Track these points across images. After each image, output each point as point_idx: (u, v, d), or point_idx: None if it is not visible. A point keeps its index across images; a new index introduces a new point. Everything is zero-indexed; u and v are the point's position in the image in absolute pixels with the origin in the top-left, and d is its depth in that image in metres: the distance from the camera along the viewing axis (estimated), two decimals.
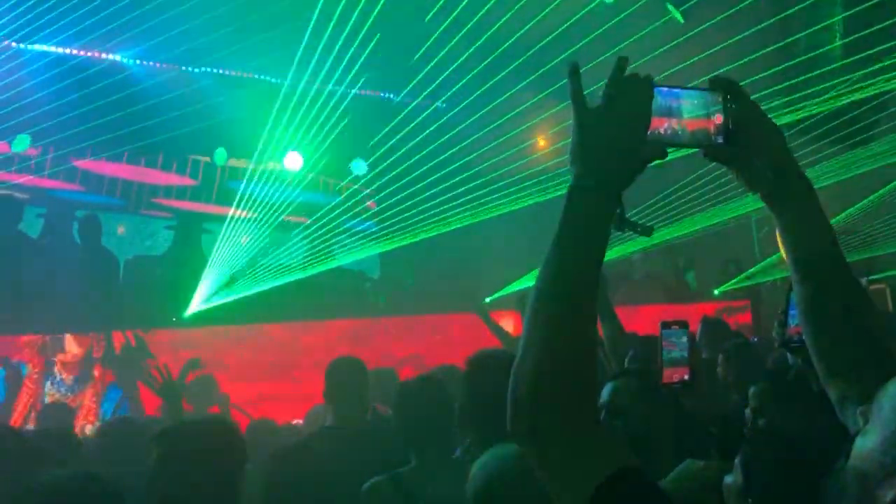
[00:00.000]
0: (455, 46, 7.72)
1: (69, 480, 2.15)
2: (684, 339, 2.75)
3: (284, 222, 9.37)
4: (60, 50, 8.78)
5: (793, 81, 7.81)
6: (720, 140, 1.37)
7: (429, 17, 7.50)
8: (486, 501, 1.95)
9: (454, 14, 7.51)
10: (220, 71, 9.84)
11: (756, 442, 2.09)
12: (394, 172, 8.83)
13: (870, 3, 7.08)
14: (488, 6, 7.41)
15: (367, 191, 10.33)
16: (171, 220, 10.67)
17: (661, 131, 1.32)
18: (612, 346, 4.06)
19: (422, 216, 8.75)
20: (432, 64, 7.99)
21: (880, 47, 7.20)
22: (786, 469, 1.86)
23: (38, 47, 8.55)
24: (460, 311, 7.51)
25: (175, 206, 10.82)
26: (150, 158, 10.20)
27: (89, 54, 8.99)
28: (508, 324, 6.73)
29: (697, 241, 10.13)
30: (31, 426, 6.19)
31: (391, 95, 9.01)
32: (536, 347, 1.21)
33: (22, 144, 8.96)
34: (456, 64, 7.91)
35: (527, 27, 7.59)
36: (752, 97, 1.42)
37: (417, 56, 7.90)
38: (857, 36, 7.48)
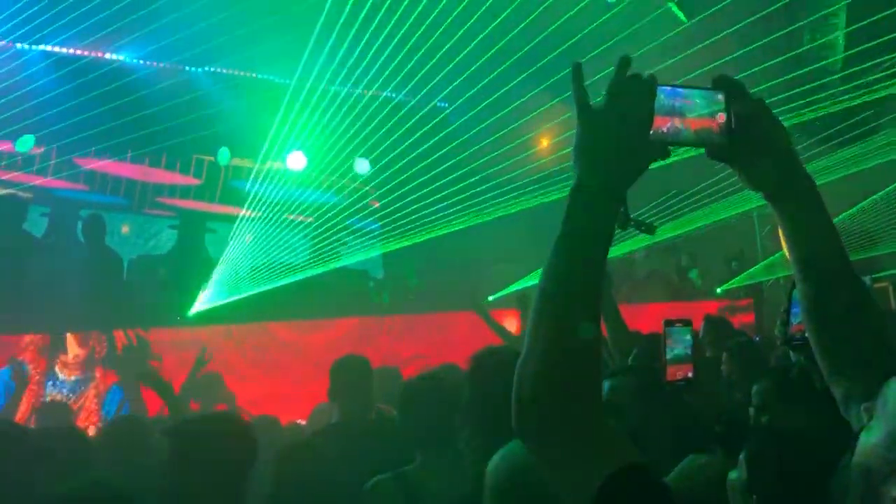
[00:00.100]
0: (458, 46, 7.72)
1: (79, 491, 2.15)
2: (688, 336, 2.75)
3: (289, 221, 9.37)
4: (65, 50, 8.80)
5: (791, 74, 7.80)
6: (723, 139, 1.37)
7: (432, 16, 7.49)
8: (510, 492, 1.94)
9: (456, 13, 7.51)
10: (223, 71, 9.85)
11: (760, 439, 2.09)
12: (395, 169, 8.83)
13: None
14: (490, 6, 7.41)
15: (367, 188, 10.33)
16: (175, 219, 10.68)
17: (664, 130, 1.32)
18: (616, 344, 4.07)
19: (425, 216, 8.75)
20: (433, 62, 8.00)
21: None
22: (790, 466, 1.86)
23: (42, 47, 8.58)
24: (463, 310, 7.51)
25: (179, 205, 10.84)
26: (153, 158, 10.22)
27: (94, 54, 9.01)
28: (511, 323, 6.73)
29: (700, 240, 10.14)
30: (31, 426, 6.20)
31: (394, 94, 9.00)
32: (541, 346, 1.21)
33: (26, 144, 8.98)
34: (454, 63, 7.92)
35: (524, 22, 7.58)
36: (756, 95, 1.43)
37: (419, 55, 7.90)
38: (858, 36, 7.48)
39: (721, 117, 1.36)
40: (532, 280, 8.24)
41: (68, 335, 7.05)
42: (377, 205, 10.17)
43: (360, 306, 9.58)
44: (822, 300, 1.45)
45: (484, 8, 7.41)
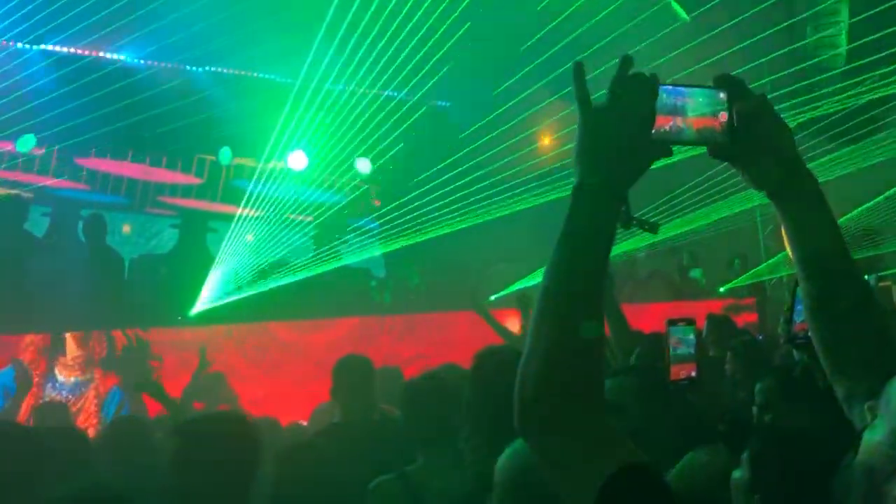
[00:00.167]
0: (460, 46, 7.72)
1: (79, 493, 2.15)
2: (691, 336, 2.74)
3: (290, 220, 9.37)
4: (66, 49, 8.81)
5: (794, 67, 7.80)
6: (725, 138, 1.37)
7: (434, 16, 7.50)
8: (517, 490, 1.94)
9: (458, 12, 7.51)
10: (224, 70, 9.86)
11: (762, 438, 2.09)
12: (397, 169, 8.84)
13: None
14: (492, 5, 7.41)
15: (366, 186, 10.33)
16: (176, 218, 10.68)
17: (666, 129, 1.32)
18: (618, 343, 4.07)
19: (427, 215, 8.75)
20: (433, 61, 8.00)
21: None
22: (793, 465, 1.86)
23: (43, 47, 8.58)
24: (464, 310, 7.51)
25: (180, 204, 10.84)
26: (154, 157, 10.22)
27: (95, 54, 9.01)
28: (514, 323, 6.72)
29: (703, 239, 10.13)
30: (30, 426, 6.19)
31: (395, 94, 9.00)
32: (543, 345, 1.21)
33: (27, 144, 8.99)
34: (453, 62, 7.92)
35: (525, 21, 7.58)
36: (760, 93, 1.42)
37: (421, 54, 7.90)
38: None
39: (723, 116, 1.36)
40: (533, 279, 8.25)
41: (68, 336, 7.04)
42: (378, 203, 10.17)
43: (362, 306, 9.58)
44: (826, 299, 1.45)
45: (485, 6, 7.42)
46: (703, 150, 1.40)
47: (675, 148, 1.34)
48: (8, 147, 8.97)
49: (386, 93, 9.02)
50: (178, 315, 8.23)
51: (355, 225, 10.36)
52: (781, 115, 1.42)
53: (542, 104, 8.60)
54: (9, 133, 8.39)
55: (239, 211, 8.96)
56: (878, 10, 7.15)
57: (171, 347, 7.27)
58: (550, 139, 10.28)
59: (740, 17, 7.30)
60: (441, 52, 7.81)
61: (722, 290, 10.39)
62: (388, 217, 9.38)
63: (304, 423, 5.29)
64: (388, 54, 8.08)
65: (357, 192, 10.25)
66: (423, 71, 8.16)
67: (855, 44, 7.96)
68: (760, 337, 6.77)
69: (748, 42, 7.54)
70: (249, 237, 9.08)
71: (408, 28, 7.73)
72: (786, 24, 7.98)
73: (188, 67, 9.63)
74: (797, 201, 1.44)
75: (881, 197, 8.63)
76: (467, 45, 7.72)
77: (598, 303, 1.26)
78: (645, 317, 6.81)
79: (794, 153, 1.43)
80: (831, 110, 7.94)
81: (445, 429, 3.00)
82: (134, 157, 9.90)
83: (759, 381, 3.12)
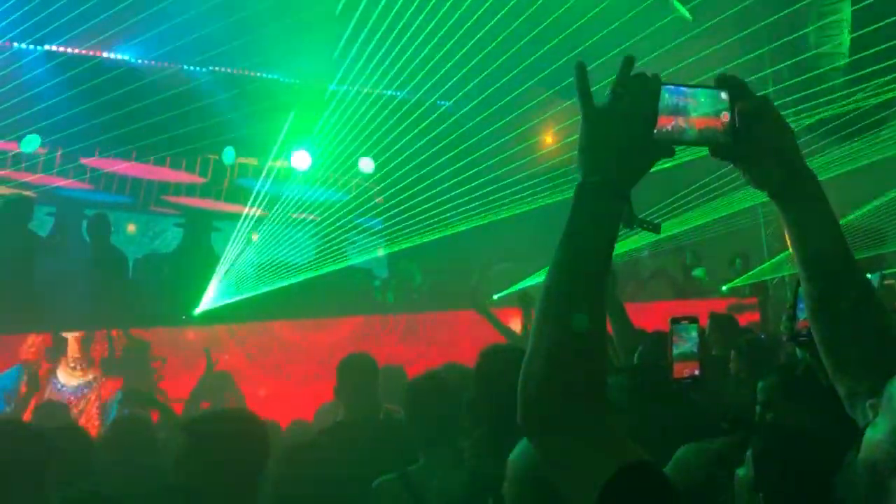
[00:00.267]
0: (463, 45, 7.72)
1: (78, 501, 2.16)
2: (694, 334, 2.75)
3: (294, 220, 9.38)
4: (70, 50, 8.82)
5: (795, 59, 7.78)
6: (728, 138, 1.37)
7: (438, 16, 7.49)
8: (538, 483, 1.94)
9: (461, 12, 7.50)
10: (229, 70, 9.86)
11: (766, 437, 2.09)
12: (399, 168, 8.83)
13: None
14: (495, 4, 7.41)
15: (367, 183, 10.33)
16: (181, 217, 10.70)
17: (668, 129, 1.33)
18: (621, 342, 4.07)
19: (430, 216, 8.74)
20: (435, 61, 7.99)
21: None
22: (796, 463, 1.86)
23: (48, 47, 8.60)
24: (467, 310, 7.51)
25: (184, 202, 10.85)
26: (158, 156, 10.23)
27: (99, 55, 9.03)
28: (516, 323, 6.73)
29: (705, 238, 10.12)
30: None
31: (398, 93, 9.00)
32: (546, 344, 1.22)
33: (31, 144, 9.01)
34: (454, 60, 7.91)
35: (525, 17, 7.57)
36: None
37: (424, 54, 7.90)
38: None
39: (725, 116, 1.37)
40: (536, 279, 8.25)
41: (69, 338, 7.03)
42: (380, 200, 10.17)
43: (365, 305, 9.59)
44: (827, 299, 1.45)
45: (488, 5, 7.41)
46: (705, 150, 1.41)
47: (677, 148, 1.34)
48: (12, 147, 9.00)
49: (390, 92, 9.02)
50: (182, 315, 8.24)
51: (359, 224, 10.36)
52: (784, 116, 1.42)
53: (537, 100, 8.56)
54: (14, 134, 8.41)
55: (243, 210, 8.97)
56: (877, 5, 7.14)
57: (174, 348, 7.28)
58: (554, 140, 10.28)
59: (738, 6, 7.26)
60: (443, 52, 7.80)
61: (724, 288, 10.38)
62: (392, 218, 9.38)
63: (309, 422, 5.31)
64: (392, 54, 8.08)
65: (360, 189, 10.25)
66: (425, 70, 8.15)
67: (859, 32, 7.93)
68: (762, 336, 6.76)
69: (748, 31, 7.53)
70: (254, 236, 9.09)
71: (415, 27, 7.73)
72: (787, 10, 7.94)
73: (192, 68, 9.64)
74: (799, 202, 1.44)
75: (887, 196, 8.61)
76: (471, 45, 7.71)
77: (601, 301, 1.27)
78: (648, 316, 6.81)
79: (796, 154, 1.43)
80: (835, 112, 7.93)
81: (448, 428, 3.01)
82: (138, 157, 9.91)
83: (761, 380, 3.12)
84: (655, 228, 1.36)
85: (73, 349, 7.00)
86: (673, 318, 2.77)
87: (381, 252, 10.43)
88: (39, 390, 6.72)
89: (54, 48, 8.76)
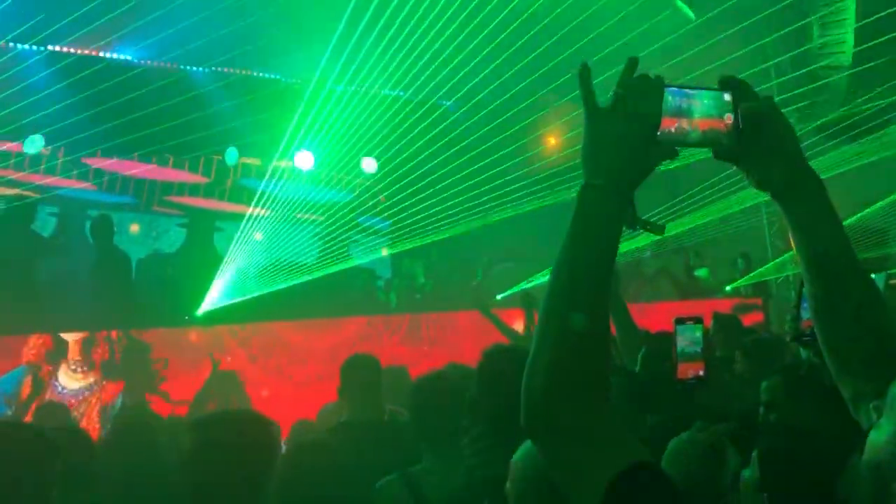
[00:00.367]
0: (467, 45, 7.72)
1: None
2: (699, 334, 2.75)
3: (298, 220, 9.38)
4: (72, 51, 8.84)
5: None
6: (731, 139, 1.37)
7: (441, 17, 7.49)
8: (538, 486, 1.94)
9: (464, 12, 7.50)
10: (231, 70, 9.87)
11: (771, 437, 2.09)
12: (401, 168, 8.83)
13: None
14: (498, 5, 7.40)
15: (369, 181, 10.33)
16: (184, 217, 10.70)
17: (672, 131, 1.33)
18: (625, 342, 4.06)
19: (434, 217, 8.74)
20: (439, 61, 7.99)
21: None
22: (800, 464, 1.86)
23: (52, 48, 8.61)
24: (470, 310, 7.52)
25: (187, 203, 10.85)
26: (161, 157, 10.24)
27: (103, 55, 9.04)
28: (520, 324, 6.73)
29: (709, 239, 10.12)
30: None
31: (402, 93, 9.00)
32: (550, 346, 1.22)
33: (35, 145, 9.02)
34: (457, 60, 7.91)
35: (527, 17, 7.57)
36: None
37: (429, 54, 7.89)
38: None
39: (729, 118, 1.36)
40: (538, 279, 8.25)
41: (70, 342, 7.03)
42: (383, 199, 10.17)
43: (368, 306, 9.59)
44: (831, 300, 1.45)
45: (491, 6, 7.40)
46: (708, 151, 1.41)
47: (680, 149, 1.34)
48: (16, 147, 9.02)
49: (393, 93, 9.02)
50: (185, 315, 8.24)
51: (364, 223, 10.36)
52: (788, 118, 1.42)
53: (535, 97, 8.55)
54: (17, 132, 8.43)
55: (246, 210, 8.98)
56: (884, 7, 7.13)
57: (175, 349, 7.28)
58: (557, 140, 10.28)
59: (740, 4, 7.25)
60: (447, 52, 7.80)
61: (728, 288, 10.37)
62: (395, 219, 9.39)
63: (313, 422, 5.31)
64: (400, 54, 8.08)
65: (363, 189, 10.26)
66: (430, 70, 8.15)
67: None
68: (766, 335, 6.75)
69: (747, 25, 7.51)
70: (258, 236, 9.09)
71: (422, 28, 7.73)
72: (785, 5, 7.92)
73: (194, 68, 9.65)
74: (802, 202, 1.44)
75: (893, 196, 8.60)
76: (475, 45, 7.70)
77: (605, 302, 1.27)
78: (652, 316, 6.81)
79: (799, 155, 1.43)
80: (839, 115, 7.92)
81: (452, 429, 3.00)
82: (140, 157, 9.92)
83: (764, 380, 3.11)
84: (659, 230, 1.36)
85: (73, 352, 7.00)
86: (677, 318, 2.77)
87: (385, 252, 10.44)
88: (41, 393, 6.73)
89: (58, 49, 8.78)
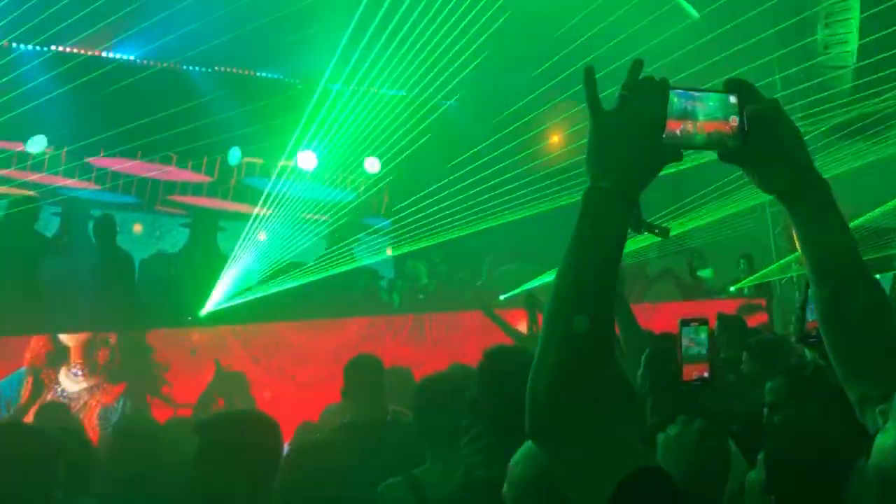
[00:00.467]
0: (469, 45, 7.72)
1: None
2: (704, 336, 2.74)
3: (302, 220, 9.39)
4: (74, 51, 8.85)
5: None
6: (736, 142, 1.37)
7: (443, 17, 7.49)
8: (537, 490, 1.93)
9: (465, 13, 7.50)
10: (234, 70, 9.89)
11: (775, 439, 2.08)
12: (407, 169, 8.83)
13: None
14: (501, 5, 7.40)
15: (368, 182, 10.34)
16: (187, 217, 10.71)
17: (677, 133, 1.32)
18: (628, 344, 4.05)
19: (438, 218, 8.74)
20: (444, 62, 7.99)
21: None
22: (807, 466, 1.85)
23: (55, 48, 8.63)
24: (472, 310, 7.51)
25: (190, 202, 10.86)
26: (164, 156, 10.24)
27: (106, 55, 9.06)
28: (524, 325, 6.73)
29: (712, 240, 10.11)
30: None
31: (405, 94, 9.00)
32: (555, 349, 1.21)
33: (38, 145, 9.04)
34: (460, 60, 7.91)
35: (530, 18, 7.57)
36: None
37: (436, 55, 7.90)
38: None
39: (734, 120, 1.36)
40: (542, 280, 8.25)
41: (71, 345, 7.02)
42: (386, 199, 10.18)
43: (370, 306, 9.59)
44: (837, 303, 1.44)
45: (496, 7, 7.40)
46: (713, 154, 1.40)
47: (685, 152, 1.34)
48: (19, 147, 9.03)
49: (398, 93, 9.02)
50: (188, 315, 8.25)
51: (368, 223, 10.37)
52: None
53: (534, 92, 8.54)
54: (19, 133, 8.44)
55: (249, 209, 8.99)
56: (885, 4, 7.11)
57: (178, 350, 7.27)
58: (561, 142, 10.27)
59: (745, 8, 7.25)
60: (452, 53, 7.80)
61: (732, 288, 10.36)
62: (399, 220, 9.38)
63: (316, 423, 5.31)
64: (400, 54, 8.08)
65: (366, 188, 10.27)
66: (435, 71, 8.15)
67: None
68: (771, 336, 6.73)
69: (750, 26, 7.50)
70: (261, 236, 9.10)
71: (419, 27, 7.73)
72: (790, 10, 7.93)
73: (197, 68, 9.66)
74: (807, 205, 1.43)
75: None
76: (480, 46, 7.70)
77: (610, 305, 1.26)
78: (655, 317, 6.80)
79: (805, 157, 1.42)
80: (844, 118, 7.90)
81: (455, 430, 3.00)
82: (143, 157, 9.92)
83: (769, 381, 3.10)
84: (664, 233, 1.36)
85: (74, 355, 6.99)
86: (682, 319, 2.76)
87: (389, 252, 10.45)
88: (41, 397, 6.72)
89: (60, 49, 8.80)
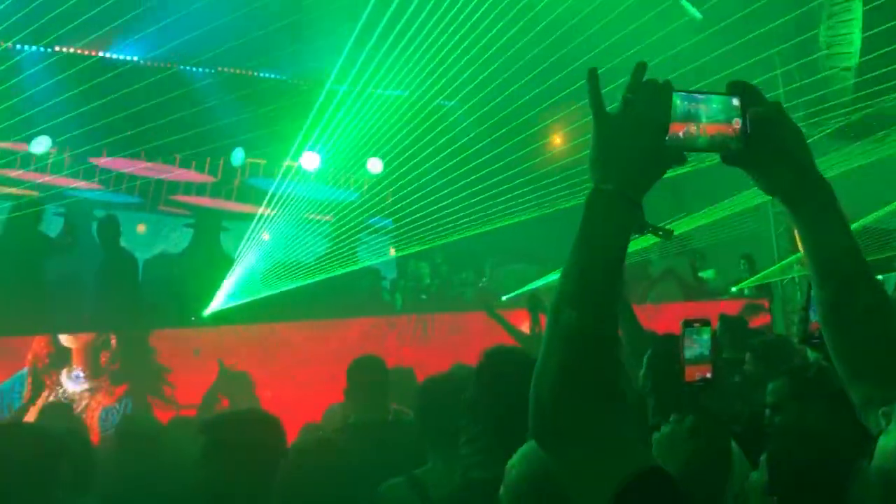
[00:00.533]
0: (471, 46, 7.71)
1: None
2: (706, 337, 2.74)
3: (306, 220, 9.39)
4: (76, 51, 8.86)
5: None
6: (739, 144, 1.37)
7: (446, 17, 7.49)
8: (534, 492, 1.93)
9: (467, 13, 7.50)
10: (237, 71, 9.89)
11: (778, 439, 2.08)
12: (409, 170, 8.83)
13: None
14: (503, 6, 7.40)
15: (371, 181, 10.34)
16: (190, 217, 10.71)
17: (680, 136, 1.32)
18: (631, 345, 4.06)
19: (441, 220, 8.74)
20: (448, 63, 7.99)
21: None
22: (809, 467, 1.85)
23: (58, 49, 8.64)
24: (475, 310, 7.52)
25: (193, 202, 10.86)
26: (168, 156, 10.25)
27: (109, 56, 9.07)
28: (528, 325, 6.74)
29: (715, 241, 10.10)
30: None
31: (408, 94, 9.00)
32: (559, 349, 1.22)
33: (42, 145, 9.05)
34: (464, 61, 7.90)
35: (533, 17, 7.56)
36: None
37: (441, 56, 7.89)
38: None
39: (737, 122, 1.36)
40: (544, 280, 8.25)
41: (73, 348, 7.03)
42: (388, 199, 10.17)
43: (373, 306, 9.59)
44: (840, 305, 1.44)
45: (500, 7, 7.40)
46: (716, 156, 1.41)
47: (688, 154, 1.34)
48: (22, 148, 9.04)
49: (402, 93, 9.02)
50: (191, 316, 8.26)
51: (370, 224, 10.36)
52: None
53: (533, 89, 8.54)
54: (24, 133, 8.45)
55: (253, 210, 8.99)
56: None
57: (180, 351, 7.28)
58: (565, 143, 10.27)
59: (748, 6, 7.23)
60: (456, 54, 7.80)
61: (734, 289, 10.36)
62: (401, 220, 9.38)
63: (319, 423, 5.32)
64: (408, 56, 8.08)
65: (369, 186, 10.26)
66: (438, 72, 8.15)
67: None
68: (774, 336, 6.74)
69: (753, 26, 7.49)
70: (265, 236, 9.10)
71: (421, 28, 7.73)
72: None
73: (200, 69, 9.67)
74: (810, 207, 1.44)
75: None
76: (483, 46, 7.70)
77: (614, 307, 1.27)
78: (658, 317, 6.80)
79: (808, 159, 1.43)
80: (848, 120, 7.89)
81: (458, 431, 3.00)
82: (147, 157, 9.93)
83: (771, 382, 3.11)
84: (667, 235, 1.36)
85: (76, 357, 6.99)
86: (685, 320, 2.76)
87: (392, 252, 10.45)
88: (42, 398, 6.73)
89: (65, 50, 8.81)
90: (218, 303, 8.40)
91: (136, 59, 9.25)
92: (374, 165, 10.48)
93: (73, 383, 6.93)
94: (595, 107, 1.32)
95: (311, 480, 3.01)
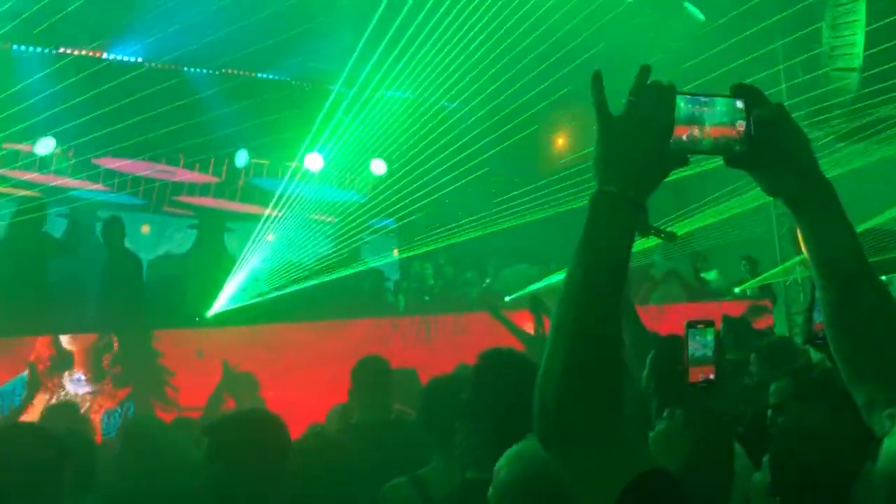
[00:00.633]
0: (475, 47, 7.72)
1: None
2: (710, 338, 2.74)
3: (310, 221, 9.40)
4: (80, 52, 8.88)
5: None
6: (743, 147, 1.37)
7: (448, 19, 7.50)
8: (523, 492, 1.93)
9: (470, 15, 7.50)
10: (241, 72, 9.90)
11: (780, 440, 2.08)
12: (413, 171, 8.83)
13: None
14: (505, 6, 7.40)
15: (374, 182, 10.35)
16: (194, 218, 10.72)
17: (684, 139, 1.33)
18: (635, 346, 4.05)
19: (446, 224, 8.73)
20: (453, 65, 7.99)
21: None
22: (812, 468, 1.85)
23: (63, 51, 8.66)
24: (478, 311, 7.51)
25: (197, 203, 10.87)
26: (171, 157, 10.26)
27: (112, 58, 9.08)
28: (531, 326, 6.73)
29: (717, 242, 10.09)
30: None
31: (411, 95, 9.01)
32: (563, 351, 1.22)
33: (45, 146, 9.06)
34: (468, 64, 7.91)
35: (536, 18, 7.57)
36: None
37: (440, 57, 7.90)
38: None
39: (741, 125, 1.36)
40: (548, 281, 8.24)
41: (75, 349, 7.03)
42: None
43: (376, 307, 9.59)
44: (844, 307, 1.44)
45: (504, 9, 7.40)
46: (720, 159, 1.41)
47: (692, 157, 1.34)
48: (27, 149, 9.06)
49: (405, 94, 9.02)
50: (195, 316, 8.26)
51: (374, 224, 10.37)
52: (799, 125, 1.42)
53: (538, 88, 8.53)
54: (27, 135, 8.47)
55: (257, 210, 9.00)
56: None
57: (182, 352, 7.27)
58: (566, 144, 10.27)
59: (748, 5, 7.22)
60: (461, 56, 7.80)
61: (737, 290, 10.34)
62: (404, 220, 9.38)
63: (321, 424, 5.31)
64: (402, 55, 8.08)
65: (373, 187, 10.27)
66: (443, 74, 8.15)
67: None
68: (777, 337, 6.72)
69: (756, 27, 7.48)
70: (269, 237, 9.11)
71: (422, 29, 7.73)
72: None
73: (203, 70, 9.68)
74: (814, 209, 1.44)
75: None
76: (488, 48, 7.70)
77: (618, 309, 1.27)
78: (662, 318, 6.79)
79: (812, 162, 1.43)
80: (851, 125, 7.88)
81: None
82: (151, 158, 9.94)
83: (774, 383, 3.10)
84: (670, 237, 1.37)
85: (78, 359, 6.99)
86: (689, 321, 2.77)
87: (396, 253, 10.45)
88: (43, 400, 6.72)
89: (69, 51, 8.83)
90: (221, 303, 8.40)
91: (139, 59, 9.26)
92: (378, 167, 10.49)
93: (74, 386, 6.91)
94: (600, 109, 1.32)
95: (313, 480, 3.02)
